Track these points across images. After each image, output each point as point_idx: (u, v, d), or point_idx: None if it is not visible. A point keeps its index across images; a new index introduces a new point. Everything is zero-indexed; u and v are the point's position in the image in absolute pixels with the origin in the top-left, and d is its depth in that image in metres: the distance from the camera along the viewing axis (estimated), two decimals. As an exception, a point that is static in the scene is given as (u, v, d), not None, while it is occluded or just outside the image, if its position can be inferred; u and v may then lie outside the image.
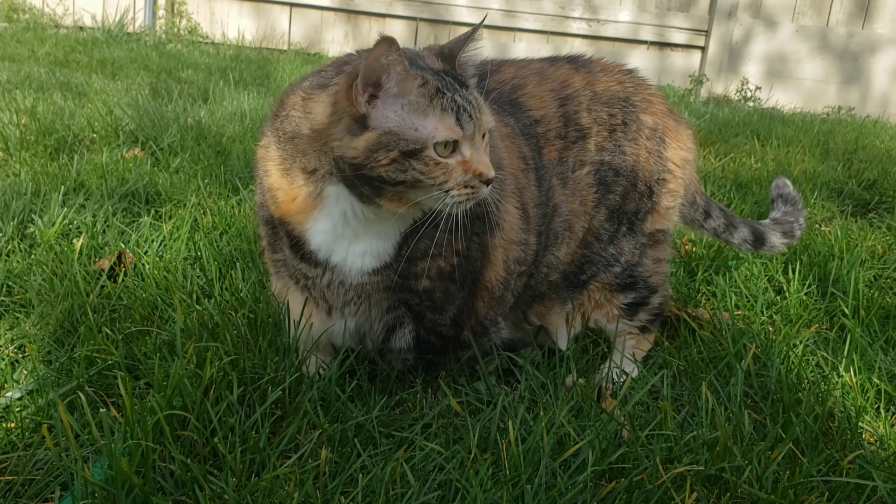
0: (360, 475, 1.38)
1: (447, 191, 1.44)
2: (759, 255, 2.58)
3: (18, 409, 1.56)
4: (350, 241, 1.58)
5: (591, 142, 1.85)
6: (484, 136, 1.51)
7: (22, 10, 7.63)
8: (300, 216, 1.58)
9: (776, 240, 2.19)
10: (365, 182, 1.46)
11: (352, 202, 1.52)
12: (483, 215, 1.63)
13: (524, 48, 8.09)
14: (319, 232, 1.58)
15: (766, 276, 2.57)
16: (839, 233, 2.88)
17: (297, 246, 1.62)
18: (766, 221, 2.24)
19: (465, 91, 1.50)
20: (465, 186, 1.45)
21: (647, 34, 8.15)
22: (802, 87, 8.18)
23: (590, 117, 1.84)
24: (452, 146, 1.45)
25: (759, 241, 2.17)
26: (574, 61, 1.94)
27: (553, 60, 1.96)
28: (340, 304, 1.66)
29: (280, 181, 1.58)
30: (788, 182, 2.34)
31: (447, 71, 1.52)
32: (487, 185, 1.48)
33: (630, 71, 1.97)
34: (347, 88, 1.42)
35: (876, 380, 1.90)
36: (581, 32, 8.15)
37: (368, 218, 1.55)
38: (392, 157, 1.41)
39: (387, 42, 1.36)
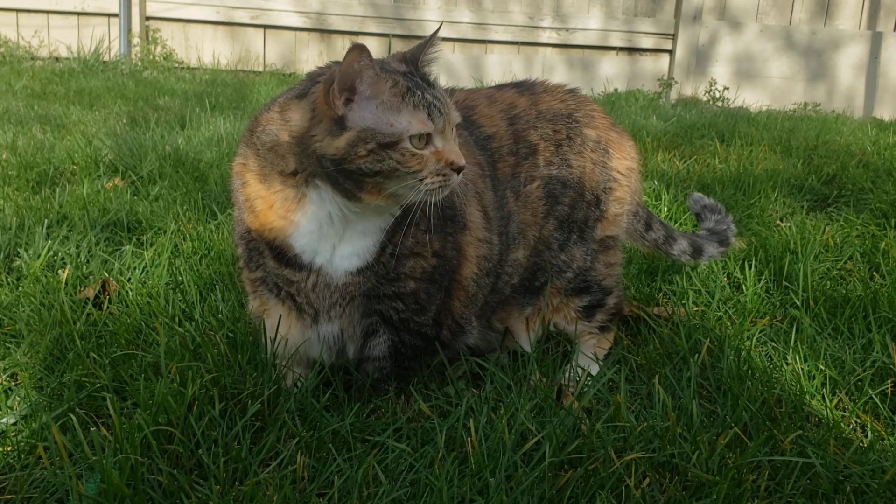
0: (336, 477, 1.49)
1: (421, 179, 1.58)
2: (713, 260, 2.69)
3: (14, 433, 1.66)
4: (334, 241, 1.70)
5: (540, 157, 1.97)
6: (453, 129, 1.66)
7: (-3, 44, 7.71)
8: (280, 222, 1.69)
9: (713, 249, 2.36)
10: (346, 176, 1.59)
11: (336, 201, 1.65)
12: (454, 217, 1.77)
13: (496, 59, 8.24)
14: (303, 234, 1.69)
15: (724, 273, 2.70)
16: (794, 228, 3.02)
17: (281, 254, 1.72)
18: (703, 233, 2.40)
19: (433, 89, 1.65)
20: (438, 174, 1.59)
21: (616, 40, 8.32)
22: (770, 86, 8.37)
23: (537, 134, 1.97)
24: (426, 139, 1.59)
25: (697, 251, 2.33)
26: (519, 86, 2.08)
27: (500, 87, 2.10)
28: (327, 307, 1.77)
29: (258, 188, 1.70)
30: (703, 195, 2.51)
31: (413, 72, 1.67)
32: (458, 173, 1.62)
33: (572, 90, 2.10)
34: (325, 94, 1.56)
35: (822, 366, 2.02)
36: (551, 41, 8.31)
37: (351, 217, 1.67)
38: (370, 149, 1.55)
39: (358, 49, 1.50)
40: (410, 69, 1.68)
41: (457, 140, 1.67)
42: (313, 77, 1.68)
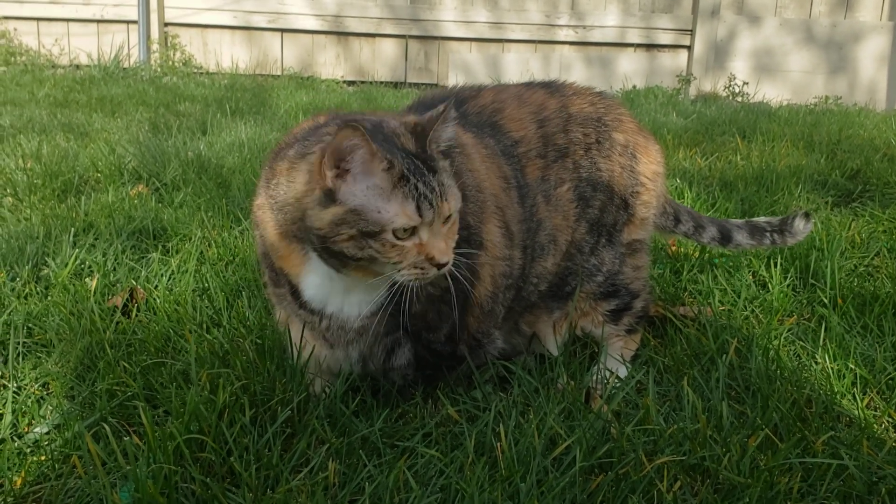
0: (367, 484, 1.50)
1: (399, 269, 1.55)
2: (744, 252, 2.68)
3: (47, 442, 1.68)
4: (343, 294, 1.70)
5: (570, 160, 1.97)
6: (449, 218, 1.59)
7: (18, 52, 7.81)
8: (295, 269, 1.70)
9: (742, 238, 2.29)
10: (331, 255, 1.57)
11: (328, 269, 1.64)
12: (468, 238, 1.74)
13: (513, 58, 8.23)
14: (311, 286, 1.70)
15: (750, 271, 2.68)
16: (819, 225, 2.99)
17: (296, 293, 1.73)
18: (738, 221, 2.35)
19: (432, 177, 1.56)
20: (416, 267, 1.55)
21: (634, 37, 8.29)
22: (790, 80, 8.30)
23: (566, 137, 1.96)
24: (411, 231, 1.54)
25: (725, 238, 2.29)
26: (548, 86, 2.06)
27: (529, 85, 2.08)
28: (344, 342, 1.77)
29: (275, 239, 1.69)
30: (809, 221, 2.34)
31: (418, 154, 1.59)
32: (439, 269, 1.57)
33: (600, 93, 2.10)
34: (319, 163, 1.53)
35: (852, 365, 2.00)
36: (569, 39, 8.29)
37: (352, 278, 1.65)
38: (350, 234, 1.52)
39: (350, 128, 1.45)
40: (417, 147, 1.61)
41: (454, 227, 1.62)
42: (320, 135, 1.64)
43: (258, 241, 1.80)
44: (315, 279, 1.68)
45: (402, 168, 1.53)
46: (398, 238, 1.53)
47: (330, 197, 1.53)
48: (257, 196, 1.76)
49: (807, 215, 2.33)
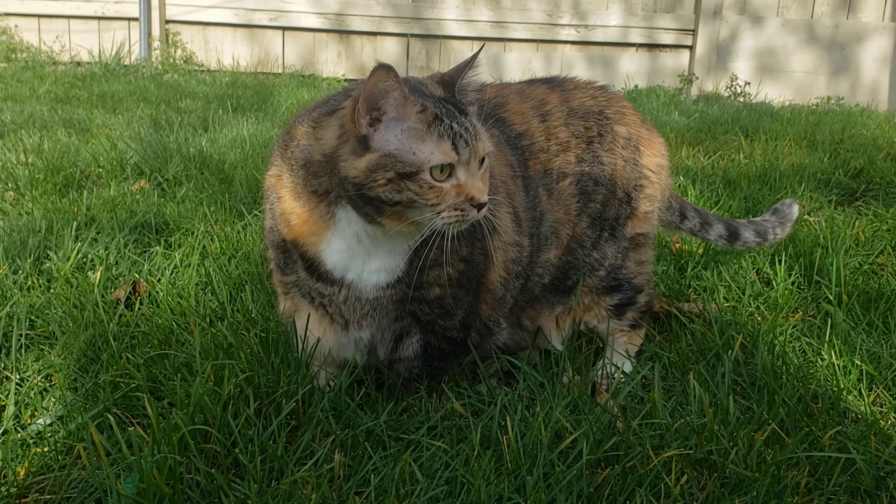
0: (372, 476, 1.49)
1: (439, 212, 1.55)
2: (748, 250, 2.67)
3: (50, 434, 1.67)
4: (364, 259, 1.70)
5: (572, 154, 1.96)
6: (482, 161, 1.62)
7: (19, 49, 7.79)
8: (314, 237, 1.70)
9: (749, 236, 2.30)
10: (367, 202, 1.57)
11: (360, 223, 1.64)
12: (482, 221, 1.75)
13: (516, 57, 8.22)
14: (334, 252, 1.70)
15: (754, 268, 2.67)
16: (823, 223, 2.99)
17: (313, 267, 1.73)
18: (743, 221, 2.36)
19: (464, 118, 1.60)
20: (455, 209, 1.56)
21: (636, 37, 8.27)
22: (793, 80, 8.29)
23: (568, 131, 1.96)
24: (448, 171, 1.55)
25: (733, 236, 2.29)
26: (549, 82, 2.06)
27: (531, 82, 2.08)
28: (357, 318, 1.77)
29: (293, 205, 1.70)
30: (794, 204, 2.44)
31: (447, 98, 1.63)
32: (478, 210, 1.58)
33: (602, 87, 2.09)
34: (352, 111, 1.55)
35: (857, 361, 2.00)
36: (571, 39, 8.28)
37: (378, 236, 1.66)
38: (388, 178, 1.52)
39: (383, 69, 1.48)
40: (446, 94, 1.65)
41: (486, 173, 1.64)
42: (347, 92, 1.67)
43: (268, 214, 1.80)
44: (339, 244, 1.69)
45: (435, 110, 1.55)
46: (435, 179, 1.54)
47: (364, 144, 1.54)
48: (270, 167, 1.78)
49: (793, 203, 2.42)
